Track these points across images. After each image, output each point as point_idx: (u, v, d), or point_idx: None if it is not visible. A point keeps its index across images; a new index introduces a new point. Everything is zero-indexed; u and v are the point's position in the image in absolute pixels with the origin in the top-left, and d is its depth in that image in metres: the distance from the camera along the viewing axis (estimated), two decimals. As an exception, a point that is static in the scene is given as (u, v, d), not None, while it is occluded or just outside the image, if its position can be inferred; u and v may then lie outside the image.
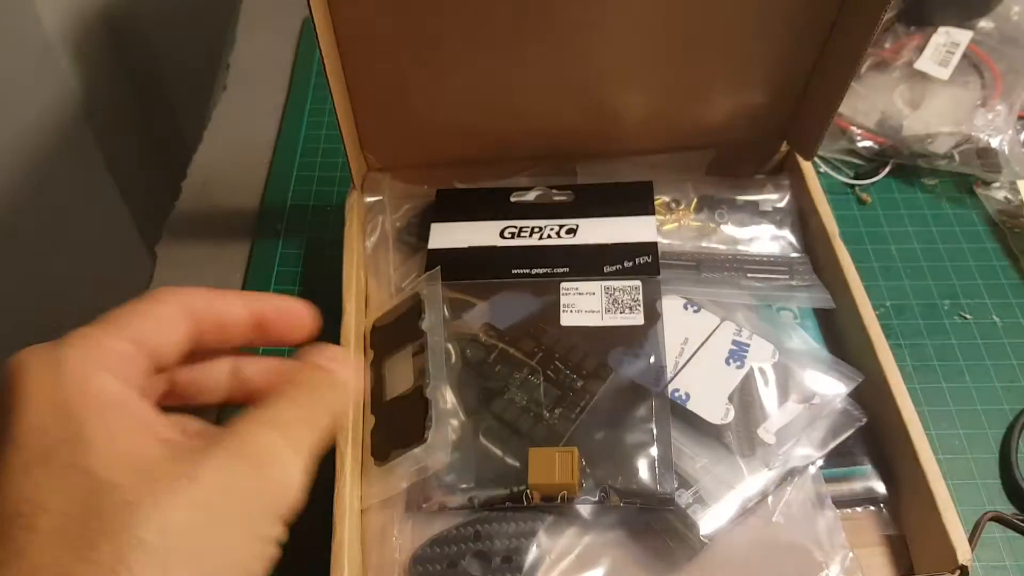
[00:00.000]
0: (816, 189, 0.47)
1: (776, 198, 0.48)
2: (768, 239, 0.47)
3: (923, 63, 0.55)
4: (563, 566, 0.36)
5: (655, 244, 0.44)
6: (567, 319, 0.42)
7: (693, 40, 0.43)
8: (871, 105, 0.54)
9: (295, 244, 0.51)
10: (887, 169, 0.54)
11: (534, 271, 0.43)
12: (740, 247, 0.46)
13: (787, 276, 0.44)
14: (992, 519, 0.40)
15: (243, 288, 0.49)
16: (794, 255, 0.46)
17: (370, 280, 0.45)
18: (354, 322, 0.41)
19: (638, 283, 0.43)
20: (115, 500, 0.22)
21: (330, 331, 0.42)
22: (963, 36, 0.55)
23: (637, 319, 0.41)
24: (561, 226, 0.45)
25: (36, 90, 0.76)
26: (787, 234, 0.47)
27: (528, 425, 0.39)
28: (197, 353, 0.30)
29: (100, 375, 0.25)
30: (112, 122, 0.84)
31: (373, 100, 0.45)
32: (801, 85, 0.46)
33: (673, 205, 0.47)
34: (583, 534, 0.37)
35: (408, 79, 0.44)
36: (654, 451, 0.37)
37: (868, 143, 0.54)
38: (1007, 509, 0.40)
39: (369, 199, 0.48)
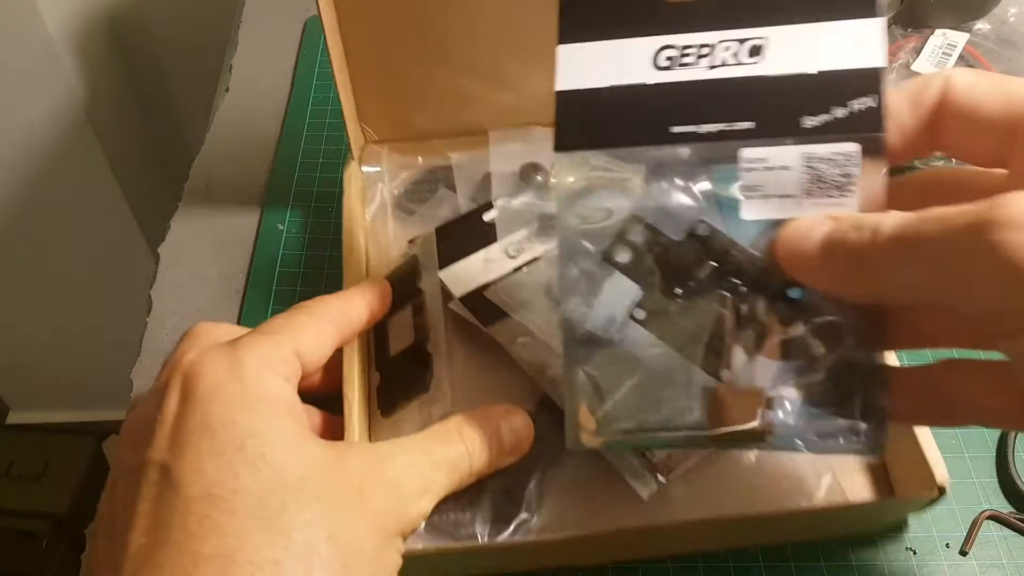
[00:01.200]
0: None
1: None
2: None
3: (920, 65, 0.55)
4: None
5: (880, 73, 0.28)
6: (750, 210, 0.29)
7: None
8: (869, 106, 0.55)
9: (297, 244, 0.51)
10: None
11: (702, 128, 0.29)
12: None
13: None
14: (989, 518, 0.40)
15: (244, 290, 0.49)
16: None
17: (371, 246, 0.47)
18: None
19: (855, 148, 0.28)
20: (301, 492, 0.25)
21: (319, 290, 0.43)
22: (960, 38, 0.56)
23: (849, 208, 0.28)
24: (742, 41, 0.29)
25: (39, 91, 0.77)
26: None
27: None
28: None
29: (274, 379, 0.28)
30: (115, 123, 0.85)
31: (371, 72, 0.46)
32: None
33: None
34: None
35: (406, 51, 0.45)
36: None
37: (866, 144, 0.54)
38: (1004, 508, 0.40)
39: (368, 170, 0.50)
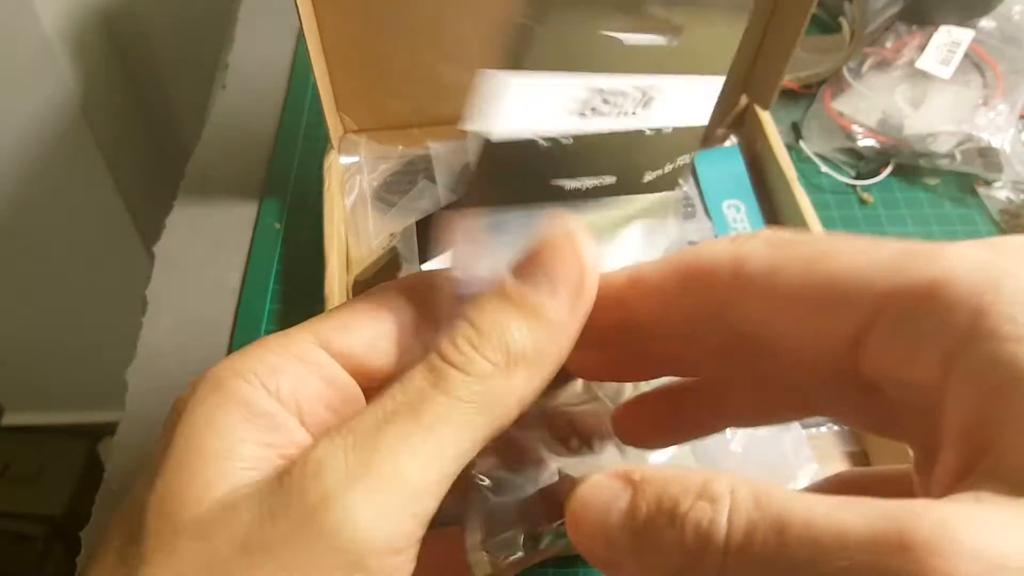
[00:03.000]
0: (774, 136, 0.50)
1: None
2: None
3: (924, 62, 0.55)
4: None
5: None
6: None
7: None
8: (872, 104, 0.54)
9: (295, 242, 0.51)
10: (888, 169, 0.54)
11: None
12: None
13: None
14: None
15: (241, 289, 0.48)
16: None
17: (350, 238, 0.47)
18: (337, 277, 0.43)
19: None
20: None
21: (316, 291, 0.43)
22: (965, 35, 0.55)
23: None
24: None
25: (34, 88, 0.76)
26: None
27: None
28: None
29: (238, 383, 0.21)
30: (110, 121, 0.84)
31: (348, 59, 0.46)
32: (757, 40, 0.49)
33: None
34: None
35: (383, 38, 0.45)
36: None
37: (869, 142, 0.54)
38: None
39: (346, 160, 0.50)
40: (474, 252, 0.23)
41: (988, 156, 0.52)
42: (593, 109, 0.24)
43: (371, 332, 0.22)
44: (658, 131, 0.25)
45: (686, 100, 0.26)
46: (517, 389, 0.19)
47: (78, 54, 0.77)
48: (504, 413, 0.19)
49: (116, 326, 0.68)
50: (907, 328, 0.16)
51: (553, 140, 0.23)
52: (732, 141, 0.53)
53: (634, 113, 0.24)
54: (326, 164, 0.48)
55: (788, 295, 0.18)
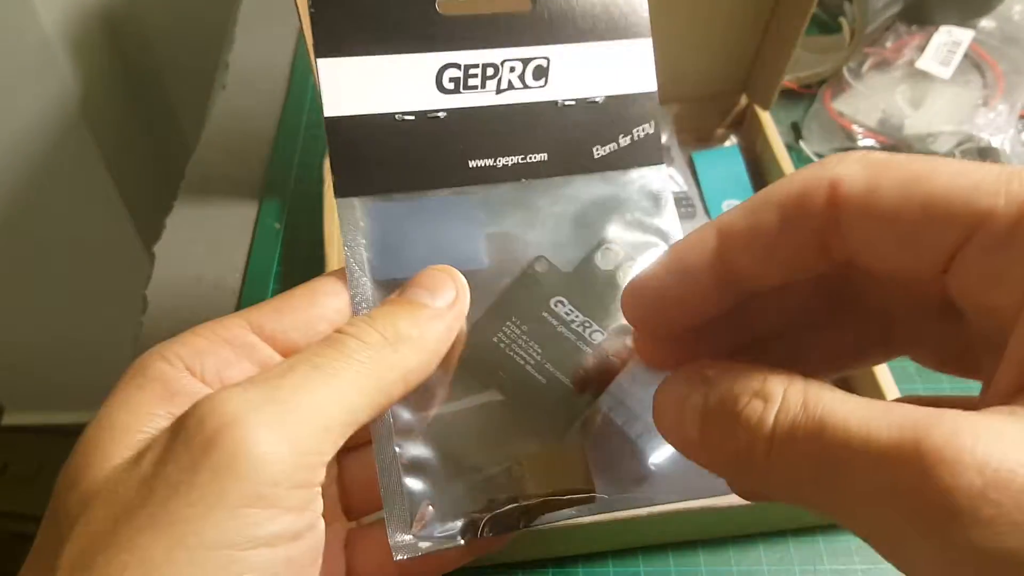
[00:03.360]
0: (774, 136, 0.50)
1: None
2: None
3: (925, 62, 0.55)
4: None
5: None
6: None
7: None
8: (872, 104, 0.54)
9: (295, 243, 0.51)
10: (888, 169, 0.54)
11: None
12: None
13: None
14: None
15: (241, 289, 0.48)
16: (676, 190, 0.48)
17: None
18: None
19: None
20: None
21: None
22: (965, 35, 0.55)
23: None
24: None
25: (34, 89, 0.76)
26: (673, 172, 0.50)
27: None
28: None
29: (151, 362, 0.22)
30: (111, 121, 0.84)
31: None
32: (757, 40, 0.49)
33: None
34: None
35: None
36: None
37: (869, 142, 0.54)
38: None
39: None
40: (391, 244, 0.24)
41: (988, 156, 0.52)
42: (458, 83, 0.24)
43: (306, 316, 0.23)
44: (581, 102, 0.25)
45: (604, 68, 0.26)
46: (402, 362, 0.21)
47: (78, 54, 0.77)
48: (392, 382, 0.21)
49: (116, 326, 0.68)
50: (998, 249, 0.17)
51: (421, 117, 0.24)
52: (732, 141, 0.53)
53: (526, 86, 0.25)
54: (326, 164, 0.48)
55: (885, 215, 0.18)
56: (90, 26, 0.79)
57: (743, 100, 0.52)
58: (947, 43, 0.55)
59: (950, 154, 0.53)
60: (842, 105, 0.55)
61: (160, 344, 0.22)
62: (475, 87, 0.25)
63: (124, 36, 0.84)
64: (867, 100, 0.54)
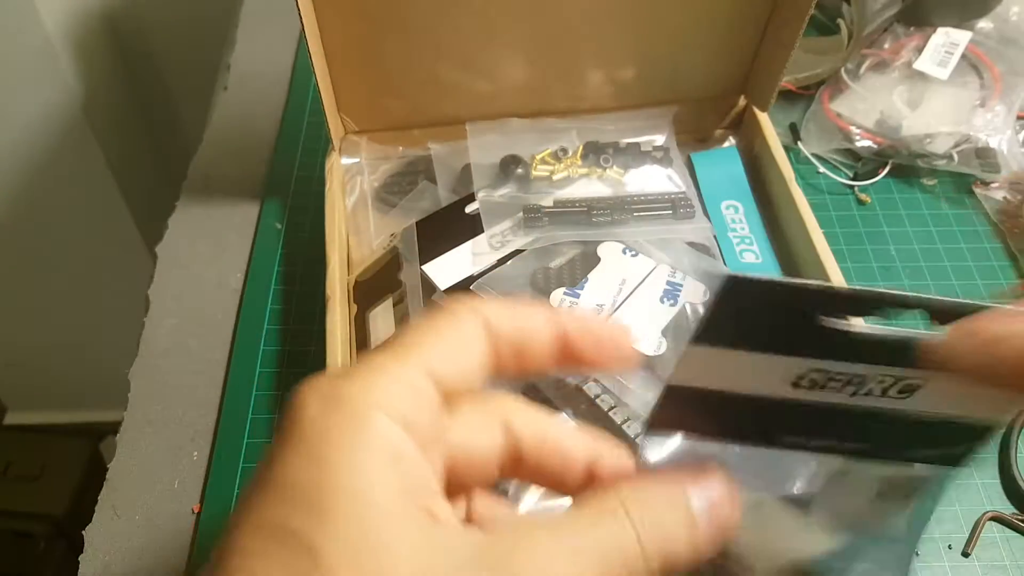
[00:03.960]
0: (772, 137, 0.50)
1: (656, 138, 0.51)
2: (655, 178, 0.49)
3: (922, 63, 0.55)
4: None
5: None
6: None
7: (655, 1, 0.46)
8: (870, 105, 0.54)
9: (296, 243, 0.51)
10: (886, 169, 0.54)
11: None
12: (628, 188, 0.49)
13: (670, 212, 0.47)
14: (992, 519, 0.40)
15: (243, 288, 0.49)
16: (675, 191, 0.48)
17: (351, 238, 0.48)
18: (338, 277, 0.44)
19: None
20: None
21: (317, 291, 0.43)
22: (962, 36, 0.55)
23: None
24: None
25: (37, 90, 0.77)
26: (671, 172, 0.50)
27: None
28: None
29: (380, 419, 0.19)
30: (112, 122, 0.84)
31: (349, 62, 0.46)
32: (755, 42, 0.49)
33: (560, 154, 0.49)
34: None
35: (383, 39, 0.46)
36: None
37: (867, 143, 0.54)
38: (1006, 509, 0.40)
39: (347, 161, 0.50)
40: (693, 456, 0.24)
41: (985, 157, 0.53)
42: (814, 384, 0.23)
43: (467, 365, 0.21)
44: (932, 416, 0.24)
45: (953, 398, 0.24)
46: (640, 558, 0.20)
47: (80, 55, 0.78)
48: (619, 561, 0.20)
49: (118, 326, 0.69)
50: None
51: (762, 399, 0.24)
52: (731, 142, 0.53)
53: (886, 396, 0.23)
54: (327, 165, 0.49)
55: None
56: (92, 27, 0.79)
57: (741, 101, 0.53)
58: (945, 44, 0.55)
59: (948, 154, 0.53)
60: (840, 106, 0.55)
61: (358, 382, 0.20)
62: (833, 388, 0.24)
63: (126, 37, 0.84)
64: (865, 101, 0.55)
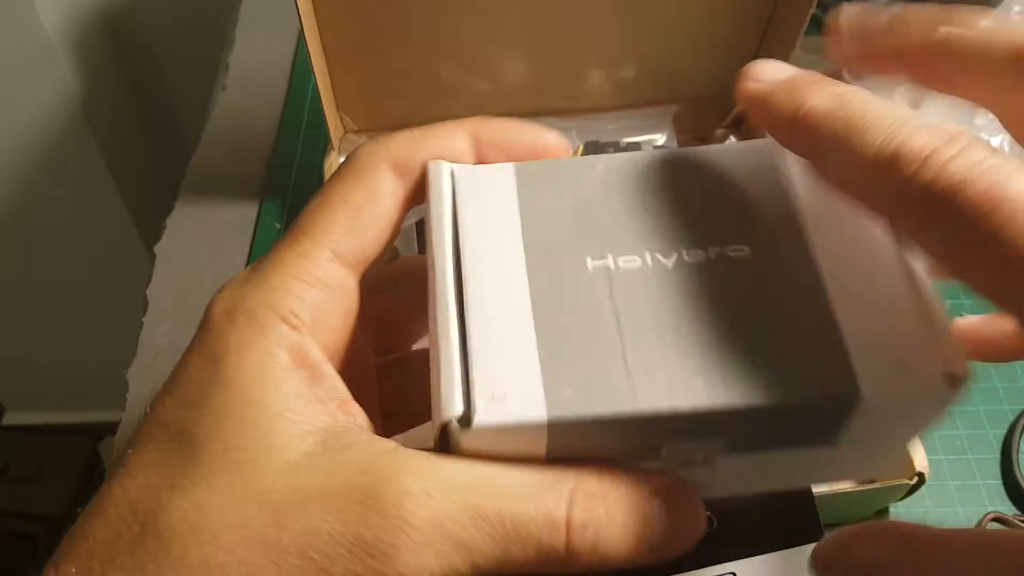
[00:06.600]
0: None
1: (656, 138, 0.51)
2: None
3: (923, 63, 0.55)
4: None
5: None
6: None
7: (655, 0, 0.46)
8: (871, 105, 0.54)
9: (294, 244, 0.51)
10: (887, 169, 0.54)
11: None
12: None
13: None
14: (993, 520, 0.40)
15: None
16: None
17: None
18: None
19: None
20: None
21: None
22: (963, 36, 0.55)
23: None
24: None
25: (35, 90, 0.76)
26: None
27: None
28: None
29: (276, 326, 0.19)
30: (111, 121, 0.84)
31: (349, 61, 0.46)
32: (756, 41, 0.49)
33: None
34: None
35: (383, 38, 0.45)
36: None
37: (868, 143, 0.54)
38: (1008, 510, 0.40)
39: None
40: None
41: (987, 157, 0.53)
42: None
43: (381, 223, 0.22)
44: None
45: None
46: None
47: (79, 54, 0.78)
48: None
49: (117, 326, 0.68)
50: None
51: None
52: (731, 141, 0.53)
53: None
54: (326, 164, 0.48)
55: None
56: (91, 26, 0.79)
57: (742, 100, 0.53)
58: (946, 44, 0.55)
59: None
60: (841, 106, 0.55)
61: (259, 287, 0.20)
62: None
63: (125, 36, 0.84)
64: (866, 101, 0.55)
